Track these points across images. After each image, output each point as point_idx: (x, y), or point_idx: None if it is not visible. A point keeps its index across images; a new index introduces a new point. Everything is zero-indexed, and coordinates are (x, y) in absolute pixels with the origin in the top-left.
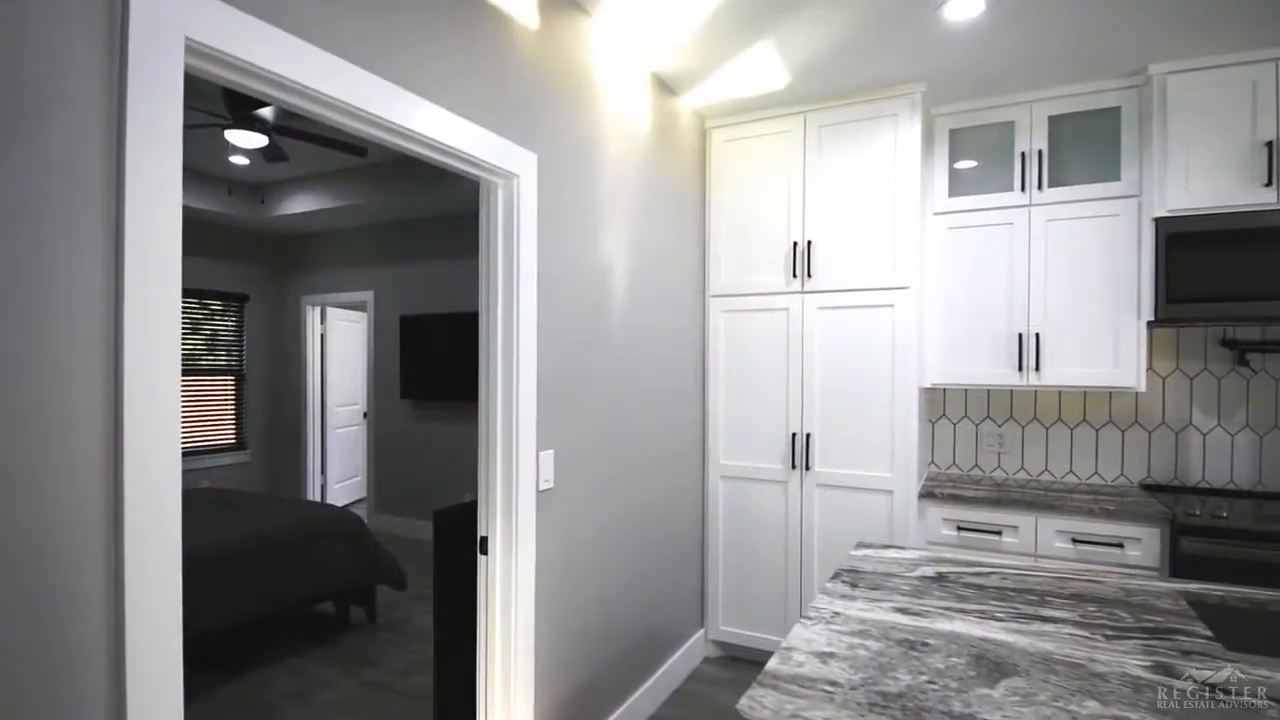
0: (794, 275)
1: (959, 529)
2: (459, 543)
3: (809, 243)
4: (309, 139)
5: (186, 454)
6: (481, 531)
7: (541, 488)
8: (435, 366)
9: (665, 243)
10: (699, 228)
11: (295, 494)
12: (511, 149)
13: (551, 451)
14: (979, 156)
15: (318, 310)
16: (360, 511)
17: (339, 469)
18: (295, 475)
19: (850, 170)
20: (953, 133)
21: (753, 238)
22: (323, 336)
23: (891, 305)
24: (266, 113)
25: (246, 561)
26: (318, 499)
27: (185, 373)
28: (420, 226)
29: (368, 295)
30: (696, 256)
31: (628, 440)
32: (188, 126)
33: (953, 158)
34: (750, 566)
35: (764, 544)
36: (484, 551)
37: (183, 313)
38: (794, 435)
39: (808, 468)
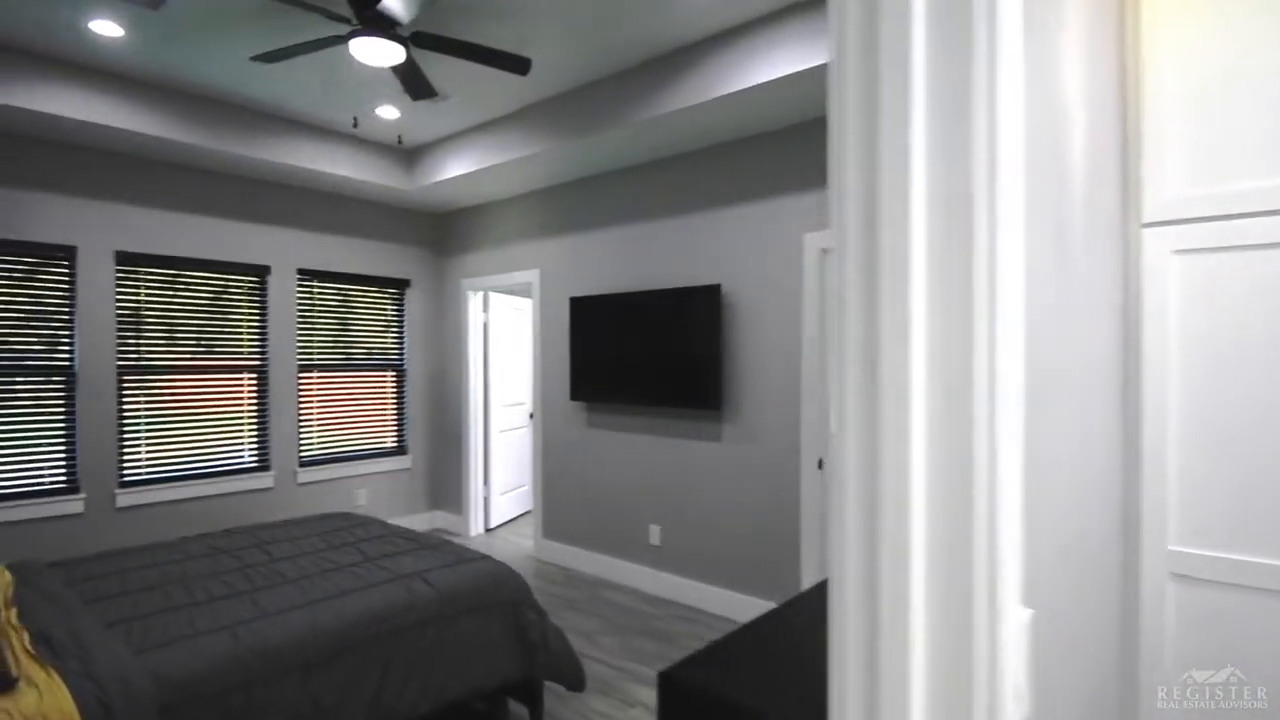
0: None
1: None
2: None
3: None
4: (454, 49)
5: (347, 459)
6: None
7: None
8: (613, 361)
9: (1081, 109)
10: (1115, 89)
11: (456, 506)
12: None
13: (1029, 614)
14: None
15: (480, 296)
16: (525, 531)
17: (504, 477)
18: (457, 484)
19: None
20: None
21: (1254, 105)
22: (485, 325)
23: None
24: (397, 6)
25: (356, 656)
26: (480, 514)
27: (345, 369)
28: (596, 184)
29: (533, 275)
30: (1109, 148)
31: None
32: (301, 46)
33: None
34: None
35: None
36: None
37: (345, 301)
38: None
39: None
